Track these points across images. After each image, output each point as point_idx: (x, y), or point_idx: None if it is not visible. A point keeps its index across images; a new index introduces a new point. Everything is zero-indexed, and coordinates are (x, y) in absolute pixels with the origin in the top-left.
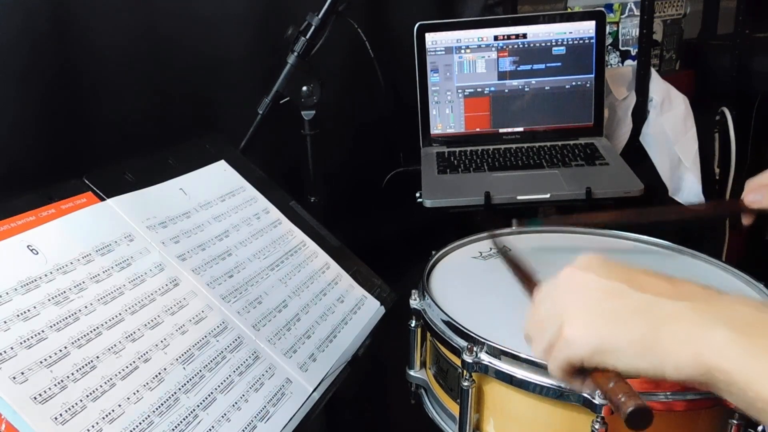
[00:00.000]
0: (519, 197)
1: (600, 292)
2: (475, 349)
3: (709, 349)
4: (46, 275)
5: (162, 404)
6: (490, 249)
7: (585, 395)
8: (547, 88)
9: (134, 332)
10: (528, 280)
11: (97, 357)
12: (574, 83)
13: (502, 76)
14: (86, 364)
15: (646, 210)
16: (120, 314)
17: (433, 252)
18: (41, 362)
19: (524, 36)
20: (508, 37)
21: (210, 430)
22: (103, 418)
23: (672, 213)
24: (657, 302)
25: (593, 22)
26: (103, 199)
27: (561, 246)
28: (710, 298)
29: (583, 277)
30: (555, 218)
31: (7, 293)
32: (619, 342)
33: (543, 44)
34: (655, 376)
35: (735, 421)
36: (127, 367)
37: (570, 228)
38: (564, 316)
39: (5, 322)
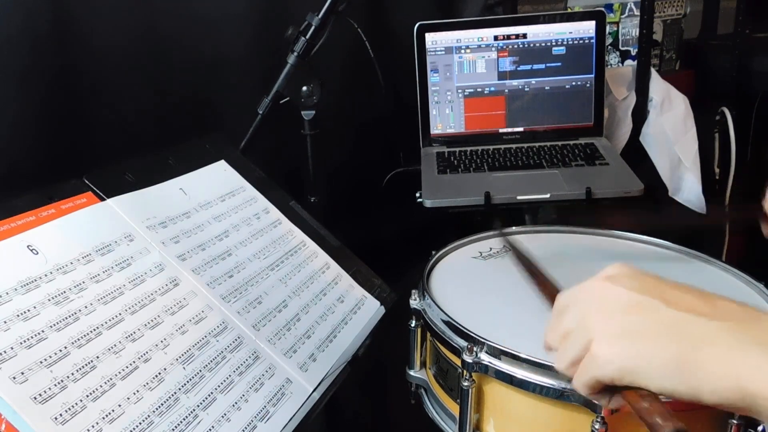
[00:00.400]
0: (519, 197)
1: (631, 308)
2: (475, 349)
3: (749, 372)
4: (46, 275)
5: (162, 404)
6: (491, 249)
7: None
8: (547, 88)
9: (134, 332)
10: (545, 284)
11: (97, 357)
12: (574, 83)
13: (502, 76)
14: (86, 364)
15: (667, 216)
16: (120, 314)
17: (433, 252)
18: (41, 362)
19: (524, 36)
20: (508, 37)
21: (210, 430)
22: (103, 418)
23: (695, 220)
24: (693, 321)
25: (593, 22)
26: (103, 199)
27: (563, 246)
28: (748, 317)
29: (613, 290)
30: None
31: (7, 293)
32: (651, 362)
33: (543, 44)
34: (691, 399)
35: (735, 421)
36: (127, 367)
37: (570, 228)
38: (592, 332)
39: (5, 322)
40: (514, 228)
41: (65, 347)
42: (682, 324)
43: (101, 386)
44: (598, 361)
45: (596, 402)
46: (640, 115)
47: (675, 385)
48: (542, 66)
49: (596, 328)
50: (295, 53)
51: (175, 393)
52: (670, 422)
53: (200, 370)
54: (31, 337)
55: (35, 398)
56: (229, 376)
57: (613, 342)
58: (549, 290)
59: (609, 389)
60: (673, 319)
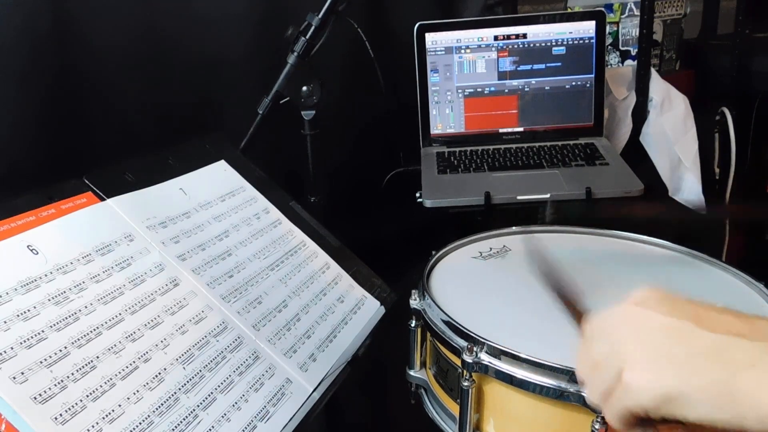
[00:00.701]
0: (519, 197)
1: (665, 333)
2: (475, 349)
3: None
4: (46, 275)
5: (162, 404)
6: (491, 249)
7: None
8: (547, 88)
9: (134, 332)
10: (574, 307)
11: (97, 357)
12: (574, 83)
13: (502, 76)
14: (86, 364)
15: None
16: (120, 314)
17: (433, 252)
18: (41, 362)
19: (524, 36)
20: (508, 37)
21: (210, 430)
22: (103, 418)
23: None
24: (732, 344)
25: (593, 22)
26: (103, 199)
27: (563, 246)
28: None
29: (644, 314)
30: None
31: (7, 293)
32: (689, 390)
33: (543, 44)
34: (734, 428)
35: None
36: (127, 367)
37: (568, 228)
38: (624, 360)
39: (5, 322)
40: (514, 228)
41: (65, 347)
42: (722, 347)
43: (101, 386)
44: (631, 390)
45: None
46: (640, 115)
47: (716, 413)
48: (542, 66)
49: (628, 355)
50: (295, 53)
51: (175, 393)
52: None
53: (200, 370)
54: (31, 337)
55: (35, 398)
56: (229, 376)
57: (647, 369)
58: (575, 311)
59: (644, 422)
60: (711, 343)
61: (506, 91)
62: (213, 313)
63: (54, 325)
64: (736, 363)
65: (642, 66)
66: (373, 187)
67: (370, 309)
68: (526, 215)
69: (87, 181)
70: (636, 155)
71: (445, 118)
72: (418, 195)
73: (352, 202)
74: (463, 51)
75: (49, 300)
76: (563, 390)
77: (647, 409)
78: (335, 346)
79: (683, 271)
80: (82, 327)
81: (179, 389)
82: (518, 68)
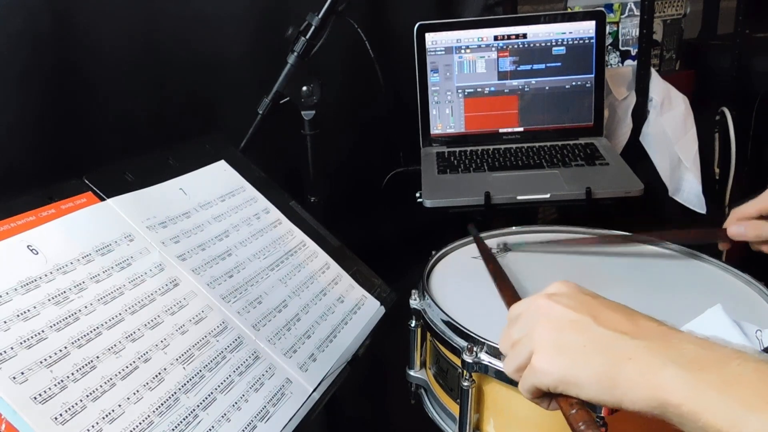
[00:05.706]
0: (519, 197)
1: (567, 325)
2: (475, 349)
3: (662, 385)
4: (46, 275)
5: (162, 404)
6: (490, 249)
7: None
8: (547, 88)
9: (134, 332)
10: (506, 291)
11: (97, 357)
12: (574, 83)
13: (502, 76)
14: (86, 364)
15: (630, 236)
16: (120, 314)
17: (433, 252)
18: (41, 362)
19: (524, 36)
20: (508, 37)
21: (210, 430)
22: (103, 418)
23: (658, 237)
24: (618, 339)
25: (593, 22)
26: (103, 199)
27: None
28: (664, 336)
29: (553, 307)
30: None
31: (7, 293)
32: (581, 376)
33: (543, 44)
34: (614, 407)
35: None
36: (127, 367)
37: (571, 228)
38: (534, 344)
39: (5, 322)
40: (514, 228)
41: (65, 347)
42: (609, 341)
43: (101, 386)
44: (536, 372)
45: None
46: (640, 115)
47: (601, 395)
48: (542, 66)
49: (537, 341)
50: (295, 53)
51: (175, 393)
52: (592, 429)
53: (200, 370)
54: (31, 337)
55: (35, 398)
56: (229, 376)
57: (550, 356)
58: (509, 297)
59: (547, 395)
60: (601, 337)
61: (506, 91)
62: (213, 313)
63: (54, 325)
64: (618, 355)
65: (642, 66)
66: (373, 187)
67: (370, 309)
68: (526, 215)
69: (87, 181)
70: (636, 155)
71: (445, 118)
72: (418, 195)
73: (352, 202)
74: (463, 51)
75: (49, 300)
76: None
77: (548, 387)
78: (335, 346)
79: (683, 270)
80: (82, 327)
81: (179, 389)
82: (518, 68)
